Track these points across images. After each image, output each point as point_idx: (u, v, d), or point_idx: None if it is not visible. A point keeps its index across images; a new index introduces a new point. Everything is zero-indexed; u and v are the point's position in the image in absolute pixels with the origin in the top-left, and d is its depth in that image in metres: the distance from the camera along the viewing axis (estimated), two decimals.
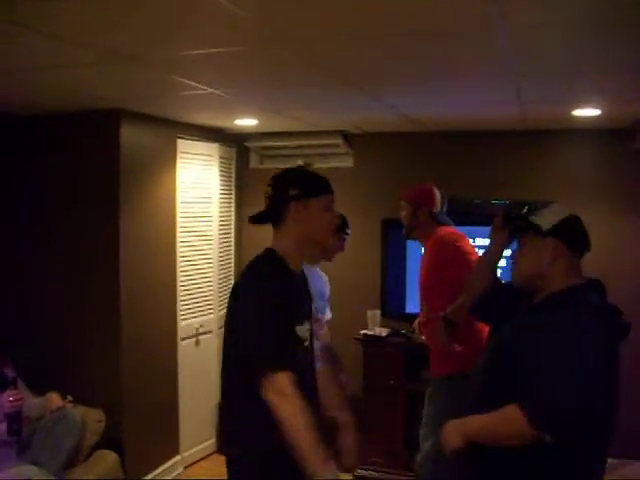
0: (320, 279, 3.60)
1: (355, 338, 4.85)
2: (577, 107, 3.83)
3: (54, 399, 3.70)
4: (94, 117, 4.04)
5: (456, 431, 2.11)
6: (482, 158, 4.94)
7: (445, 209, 3.61)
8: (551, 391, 1.90)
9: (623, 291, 4.62)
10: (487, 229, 2.54)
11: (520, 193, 4.71)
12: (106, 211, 4.10)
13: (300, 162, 5.41)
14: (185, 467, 4.81)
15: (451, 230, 3.55)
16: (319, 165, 5.45)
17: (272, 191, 2.33)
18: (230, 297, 2.34)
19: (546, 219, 2.18)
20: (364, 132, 5.16)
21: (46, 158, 4.25)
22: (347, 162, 5.30)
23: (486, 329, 2.69)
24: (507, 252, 2.61)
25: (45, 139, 4.26)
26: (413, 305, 3.54)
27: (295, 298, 2.32)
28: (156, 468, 4.47)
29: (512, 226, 2.35)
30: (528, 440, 1.91)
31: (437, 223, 3.53)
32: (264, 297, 2.20)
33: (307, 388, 2.31)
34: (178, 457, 4.72)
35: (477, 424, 2.09)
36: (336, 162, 5.27)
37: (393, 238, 4.96)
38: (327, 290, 3.69)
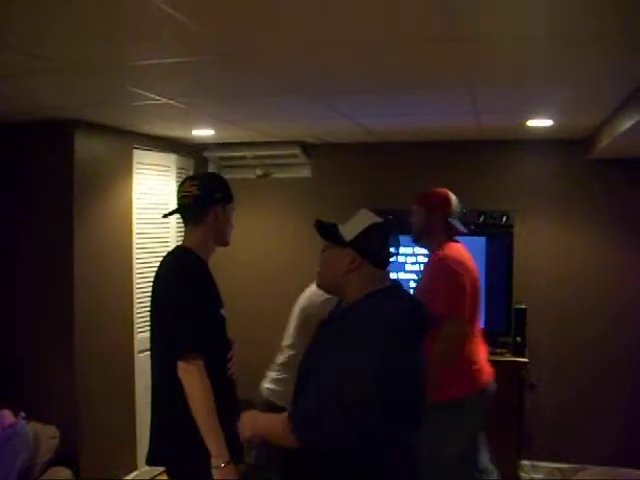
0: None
1: None
2: (530, 118, 3.89)
3: (6, 416, 3.62)
4: (47, 127, 3.97)
5: (248, 423, 2.20)
6: (440, 168, 4.97)
7: (460, 215, 3.48)
8: (312, 401, 1.94)
9: (575, 298, 4.73)
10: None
11: (478, 202, 4.77)
12: (60, 224, 4.01)
13: (259, 172, 5.42)
14: None
15: (456, 255, 3.35)
16: (277, 175, 5.45)
17: (199, 191, 2.55)
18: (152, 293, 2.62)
19: (350, 228, 2.13)
20: (323, 142, 5.17)
21: None
22: (305, 172, 5.31)
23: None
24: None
25: None
26: None
27: (214, 286, 2.60)
28: None
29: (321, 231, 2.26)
30: (292, 444, 1.97)
31: (449, 230, 3.41)
32: (184, 287, 2.45)
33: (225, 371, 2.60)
34: (136, 472, 4.64)
35: (263, 422, 2.19)
36: (294, 172, 5.30)
37: None
38: None
